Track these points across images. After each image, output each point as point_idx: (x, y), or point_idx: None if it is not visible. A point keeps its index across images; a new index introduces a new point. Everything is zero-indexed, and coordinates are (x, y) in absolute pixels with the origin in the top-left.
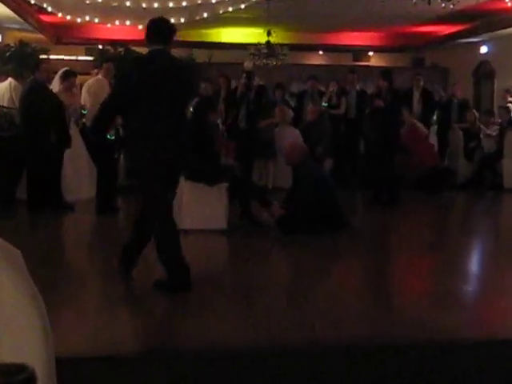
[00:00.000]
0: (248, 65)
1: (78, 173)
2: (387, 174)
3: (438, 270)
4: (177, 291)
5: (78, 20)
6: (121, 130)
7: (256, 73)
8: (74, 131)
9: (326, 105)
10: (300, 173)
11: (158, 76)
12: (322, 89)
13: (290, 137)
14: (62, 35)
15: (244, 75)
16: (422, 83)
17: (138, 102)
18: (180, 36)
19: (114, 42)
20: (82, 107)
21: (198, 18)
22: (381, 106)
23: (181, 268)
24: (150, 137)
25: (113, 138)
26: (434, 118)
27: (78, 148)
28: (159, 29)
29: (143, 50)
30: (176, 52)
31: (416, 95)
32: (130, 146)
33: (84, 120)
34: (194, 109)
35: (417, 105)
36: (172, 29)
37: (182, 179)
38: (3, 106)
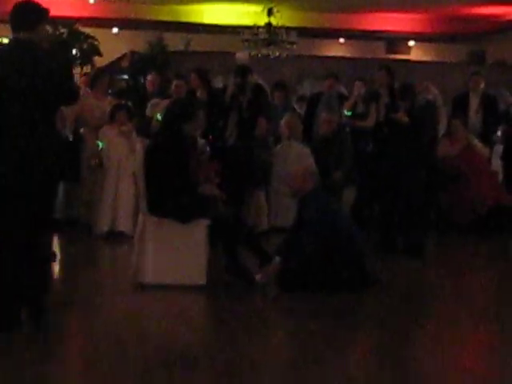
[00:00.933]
0: (242, 56)
1: None
2: (412, 209)
3: (495, 350)
4: None
5: None
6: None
7: (252, 67)
8: None
9: (348, 114)
10: (307, 209)
11: (5, 74)
12: (344, 91)
13: (299, 157)
14: None
15: (236, 72)
16: (482, 86)
17: None
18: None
19: (54, 20)
20: None
21: None
22: (401, 121)
23: None
24: None
25: None
26: (499, 134)
27: None
28: (20, 12)
29: (94, 31)
30: (142, 36)
31: (473, 103)
32: None
33: None
34: (163, 116)
35: (474, 116)
36: (38, 12)
37: (144, 213)
38: None
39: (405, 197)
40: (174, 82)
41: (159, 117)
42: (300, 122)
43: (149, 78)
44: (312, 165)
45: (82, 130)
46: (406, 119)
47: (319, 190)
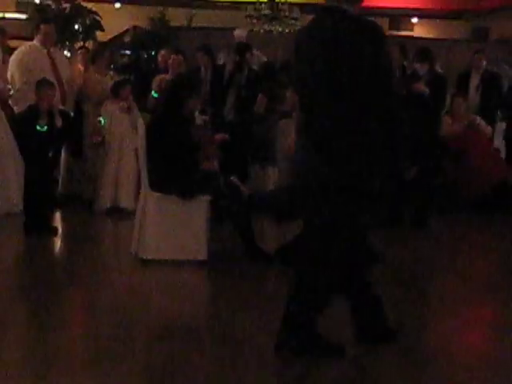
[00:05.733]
0: (240, 33)
1: (2, 177)
2: (419, 183)
3: (498, 326)
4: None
5: None
6: (57, 119)
7: (253, 44)
8: None
9: None
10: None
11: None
12: None
13: None
14: None
15: (235, 49)
16: (484, 64)
17: None
18: None
19: None
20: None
21: None
22: (422, 92)
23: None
24: None
25: (45, 129)
26: (499, 113)
27: (3, 142)
28: None
29: (96, 6)
30: (144, 11)
31: (474, 80)
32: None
33: (10, 102)
34: (166, 91)
35: (474, 93)
36: None
37: (146, 189)
38: None
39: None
40: (172, 57)
41: (154, 93)
42: None
43: (162, 53)
44: None
45: (85, 107)
46: (426, 90)
47: None
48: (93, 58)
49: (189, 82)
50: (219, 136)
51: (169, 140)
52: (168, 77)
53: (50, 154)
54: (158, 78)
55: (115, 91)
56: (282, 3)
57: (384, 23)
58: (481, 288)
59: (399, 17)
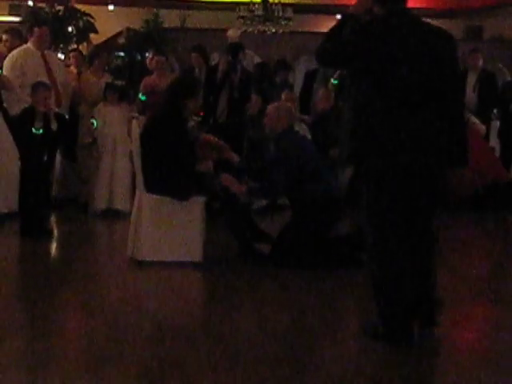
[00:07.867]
0: (233, 34)
1: None
2: None
3: (490, 323)
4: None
5: None
6: (52, 122)
7: (247, 45)
8: None
9: (335, 82)
10: (278, 147)
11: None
12: None
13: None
14: None
15: (227, 50)
16: (480, 63)
17: None
18: None
19: None
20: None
21: None
22: None
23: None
24: None
25: (40, 131)
26: (495, 111)
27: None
28: None
29: (90, 9)
30: (138, 13)
31: (471, 79)
32: None
33: (5, 105)
34: (167, 92)
35: (471, 92)
36: None
37: (141, 191)
38: None
39: None
40: (155, 58)
41: (141, 96)
42: (297, 100)
43: (149, 55)
44: (288, 105)
45: (80, 109)
46: None
47: (293, 128)
48: (90, 60)
49: (190, 83)
50: (208, 137)
51: (168, 141)
52: (153, 78)
53: (45, 157)
54: (144, 81)
55: (104, 95)
56: (275, 4)
57: None
58: (472, 286)
59: None
